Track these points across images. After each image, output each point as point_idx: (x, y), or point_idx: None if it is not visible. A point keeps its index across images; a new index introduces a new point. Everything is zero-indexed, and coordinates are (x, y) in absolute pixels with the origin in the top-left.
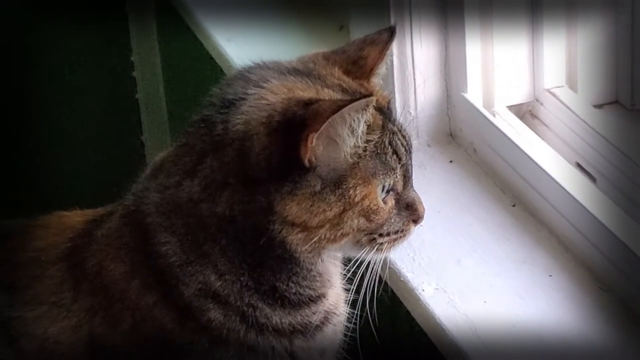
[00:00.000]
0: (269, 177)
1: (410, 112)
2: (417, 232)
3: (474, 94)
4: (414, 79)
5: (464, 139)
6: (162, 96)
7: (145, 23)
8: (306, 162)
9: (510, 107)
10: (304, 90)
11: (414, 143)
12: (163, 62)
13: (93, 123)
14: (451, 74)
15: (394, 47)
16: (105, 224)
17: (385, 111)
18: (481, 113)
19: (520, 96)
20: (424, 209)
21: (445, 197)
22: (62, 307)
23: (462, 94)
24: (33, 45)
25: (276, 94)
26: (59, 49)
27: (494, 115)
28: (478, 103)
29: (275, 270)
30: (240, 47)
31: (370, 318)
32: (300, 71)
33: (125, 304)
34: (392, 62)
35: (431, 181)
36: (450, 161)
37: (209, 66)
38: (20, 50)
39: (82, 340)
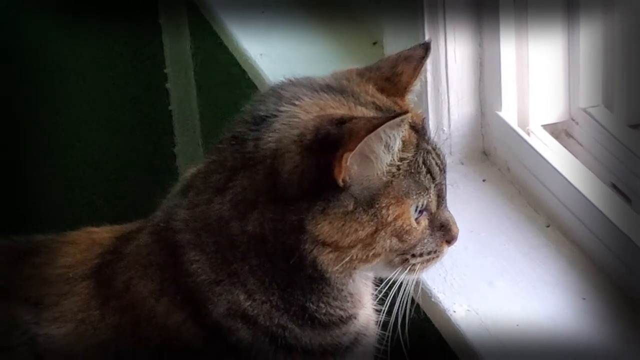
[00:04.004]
0: (301, 196)
1: (444, 130)
2: (448, 252)
3: (508, 113)
4: (448, 97)
5: (498, 157)
6: (195, 108)
7: (179, 35)
8: (340, 182)
9: (545, 126)
10: (337, 108)
11: (447, 161)
12: (196, 74)
13: (125, 134)
14: (485, 92)
15: (428, 64)
16: (134, 240)
17: (419, 129)
18: (516, 132)
19: (555, 115)
20: (457, 230)
21: (478, 216)
22: (90, 325)
23: (497, 112)
24: (66, 57)
25: (308, 112)
26: (92, 61)
27: (528, 134)
28: (513, 122)
29: (305, 290)
30: (272, 61)
31: (402, 340)
32: (333, 88)
33: (152, 323)
34: (425, 79)
35: (464, 200)
36: (484, 180)
37: (242, 80)
38: (55, 62)
39: (109, 359)
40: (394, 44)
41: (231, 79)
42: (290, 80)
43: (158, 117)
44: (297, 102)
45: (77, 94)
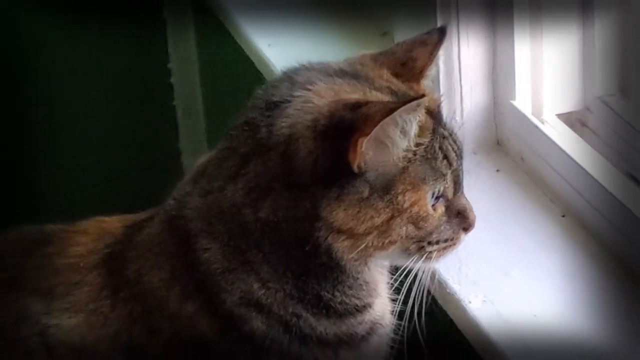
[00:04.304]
0: (315, 183)
1: (457, 120)
2: (463, 242)
3: (522, 102)
4: (461, 86)
5: (512, 147)
6: (200, 103)
7: (183, 29)
8: (355, 167)
9: (559, 116)
10: (352, 93)
11: None
12: (201, 68)
13: (129, 130)
14: (499, 80)
15: (440, 52)
16: (145, 229)
17: (435, 114)
18: (530, 121)
19: (570, 104)
20: (475, 217)
21: (492, 206)
22: (101, 315)
23: (510, 101)
24: (68, 54)
25: (323, 97)
26: (94, 57)
27: (542, 124)
28: (527, 111)
29: (320, 278)
30: (281, 52)
31: (418, 329)
32: (348, 73)
33: (164, 312)
34: (438, 68)
35: (477, 190)
36: (497, 170)
37: (249, 72)
38: (56, 59)
39: (121, 350)
40: (404, 35)
41: (238, 71)
42: (304, 65)
43: (162, 112)
44: (310, 87)
45: (79, 90)
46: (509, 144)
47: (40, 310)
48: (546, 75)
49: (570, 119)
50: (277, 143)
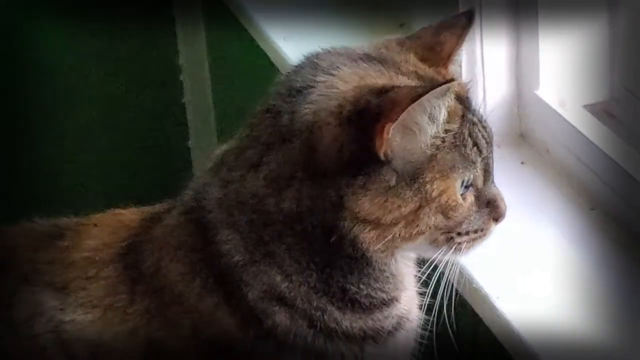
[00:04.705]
0: (340, 171)
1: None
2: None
3: (547, 92)
4: (484, 77)
5: (537, 139)
6: (210, 100)
7: (193, 25)
8: (381, 155)
9: (585, 106)
10: (377, 78)
11: None
12: (211, 64)
13: (138, 128)
14: (523, 71)
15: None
16: (163, 221)
17: (464, 100)
18: (556, 111)
19: (596, 94)
20: (505, 207)
21: (517, 200)
22: (118, 311)
23: (535, 92)
24: (77, 49)
25: (347, 82)
26: (102, 55)
27: (568, 114)
28: (552, 101)
29: (345, 271)
30: (297, 46)
31: (448, 324)
32: (373, 57)
33: (184, 307)
34: (460, 58)
35: (502, 184)
36: (522, 163)
37: (264, 66)
38: (66, 55)
39: (139, 346)
40: (423, 25)
41: (251, 66)
42: (328, 50)
43: (171, 110)
44: (334, 72)
45: (87, 89)
46: (533, 135)
47: (55, 306)
48: (571, 65)
49: (596, 110)
50: (300, 130)
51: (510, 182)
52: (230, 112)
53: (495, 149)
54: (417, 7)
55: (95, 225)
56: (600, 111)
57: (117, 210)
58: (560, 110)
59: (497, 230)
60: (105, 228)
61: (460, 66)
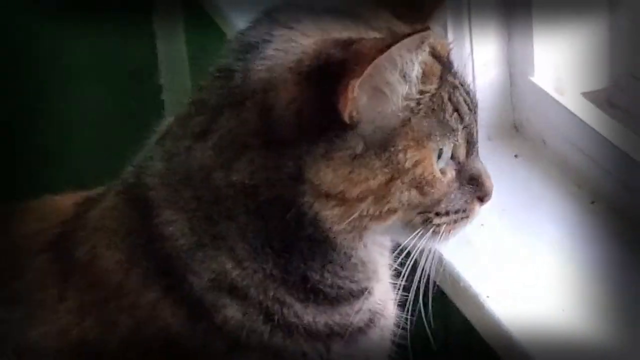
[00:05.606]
0: (298, 137)
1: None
2: (479, 232)
3: (542, 78)
4: (473, 61)
5: (532, 130)
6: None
7: (171, 25)
8: (346, 117)
9: (584, 94)
10: (344, 32)
11: None
12: (190, 64)
13: (118, 128)
14: (516, 55)
15: (448, 24)
16: (100, 203)
17: (444, 61)
18: (552, 98)
19: (596, 81)
20: (491, 184)
21: (510, 194)
22: (46, 307)
23: (529, 77)
24: (54, 37)
25: (308, 36)
26: (82, 54)
27: (566, 100)
28: (548, 88)
29: (306, 255)
30: None
31: (425, 321)
32: (340, 10)
33: (122, 301)
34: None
35: (494, 178)
36: (516, 155)
37: None
38: (44, 42)
39: (70, 348)
40: None
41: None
42: (288, 2)
43: (150, 109)
44: (294, 25)
45: (59, 71)
46: (528, 126)
47: None
48: (569, 49)
49: (597, 98)
50: (253, 91)
51: (503, 176)
52: None
53: (486, 142)
54: None
55: (25, 211)
56: (601, 99)
57: (52, 196)
58: (557, 97)
59: (490, 227)
60: (38, 214)
61: None
